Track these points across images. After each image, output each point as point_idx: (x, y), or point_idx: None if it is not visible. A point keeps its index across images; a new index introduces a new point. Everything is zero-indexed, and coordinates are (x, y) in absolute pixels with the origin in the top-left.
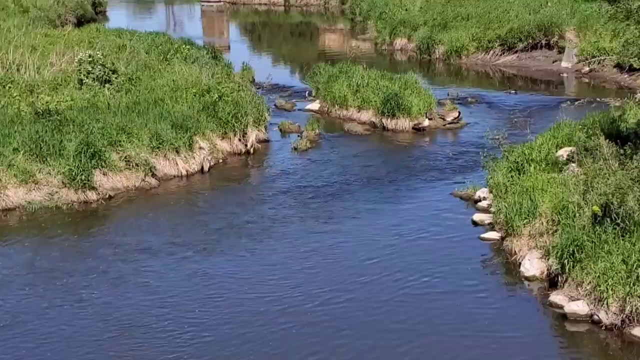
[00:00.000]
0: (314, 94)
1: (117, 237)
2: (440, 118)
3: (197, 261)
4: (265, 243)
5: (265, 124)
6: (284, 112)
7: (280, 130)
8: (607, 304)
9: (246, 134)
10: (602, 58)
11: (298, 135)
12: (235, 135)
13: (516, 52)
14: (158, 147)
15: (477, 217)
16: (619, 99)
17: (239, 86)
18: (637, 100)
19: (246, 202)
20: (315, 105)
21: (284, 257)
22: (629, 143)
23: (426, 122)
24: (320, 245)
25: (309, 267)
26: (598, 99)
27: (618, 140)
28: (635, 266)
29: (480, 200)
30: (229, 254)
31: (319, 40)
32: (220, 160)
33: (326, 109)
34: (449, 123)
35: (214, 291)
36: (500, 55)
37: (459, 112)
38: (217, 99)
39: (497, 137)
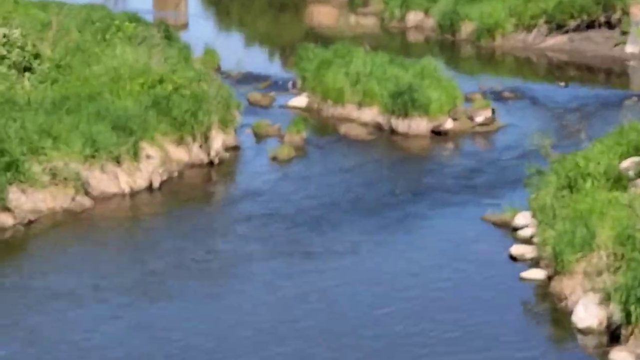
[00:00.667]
0: (299, 85)
1: (35, 277)
2: (468, 118)
3: (139, 310)
4: (229, 286)
5: (234, 126)
6: (260, 110)
7: (255, 133)
8: None
9: (209, 138)
10: None
11: (278, 140)
12: (194, 140)
13: (567, 32)
14: (93, 156)
15: (516, 249)
16: None
17: (200, 75)
18: None
19: (207, 230)
20: (301, 101)
21: (255, 304)
22: None
23: (449, 124)
24: (303, 290)
25: (287, 319)
26: None
27: None
28: None
29: (520, 228)
30: (181, 300)
31: (307, 15)
32: (175, 174)
33: (316, 105)
34: (480, 125)
35: (159, 349)
36: (547, 36)
37: (493, 111)
38: (171, 93)
39: (542, 143)
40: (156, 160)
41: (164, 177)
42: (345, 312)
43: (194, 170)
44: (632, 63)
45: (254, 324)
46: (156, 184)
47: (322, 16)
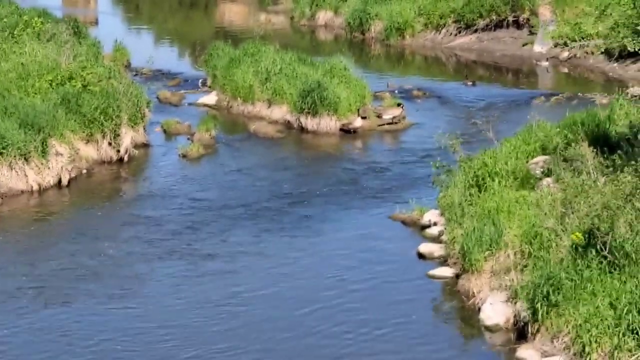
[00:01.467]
0: (209, 83)
1: None
2: (377, 117)
3: (38, 314)
4: (133, 288)
5: (144, 123)
6: (170, 107)
7: (165, 131)
8: None
9: (119, 135)
10: (585, 43)
11: (188, 138)
12: (104, 137)
13: (476, 31)
14: (1, 153)
15: (425, 248)
16: (606, 94)
17: (109, 72)
18: (629, 95)
19: (115, 228)
20: (211, 99)
21: (158, 306)
22: (618, 151)
23: (358, 122)
24: (206, 294)
25: (192, 322)
26: (580, 94)
27: (605, 148)
28: (625, 311)
29: (428, 226)
30: (83, 303)
31: (217, 12)
32: (84, 171)
33: (226, 103)
34: (389, 123)
35: (57, 353)
36: (456, 35)
37: (402, 109)
38: (80, 90)
39: (451, 142)
40: (65, 157)
41: (73, 175)
42: (251, 314)
43: (103, 167)
44: (539, 63)
45: (156, 328)
46: (65, 181)
47: (233, 14)
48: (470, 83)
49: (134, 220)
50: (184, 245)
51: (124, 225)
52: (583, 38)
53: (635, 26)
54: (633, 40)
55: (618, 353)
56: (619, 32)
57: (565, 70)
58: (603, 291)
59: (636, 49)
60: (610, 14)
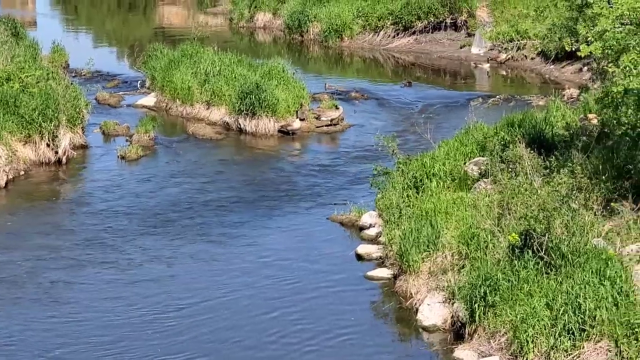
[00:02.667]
0: (148, 84)
1: None
2: (316, 118)
3: None
4: (61, 295)
5: (83, 125)
6: (108, 109)
7: (103, 132)
8: None
9: (57, 137)
10: (522, 43)
11: (126, 140)
12: (42, 138)
13: (414, 33)
14: None
15: (363, 249)
16: (543, 96)
17: (48, 74)
18: (565, 97)
19: (51, 231)
20: (149, 100)
21: (88, 313)
22: (555, 153)
23: (297, 124)
24: (137, 301)
25: (116, 324)
26: (517, 96)
27: (542, 150)
28: (561, 312)
29: (366, 227)
30: (19, 307)
31: (156, 14)
32: (22, 172)
33: (165, 104)
34: (327, 125)
35: None
36: (394, 37)
37: (340, 111)
38: (18, 91)
39: (389, 143)
40: (2, 158)
41: (11, 176)
42: (188, 316)
43: (41, 168)
44: (477, 64)
45: (83, 335)
46: (2, 183)
47: (172, 16)
48: (409, 84)
49: (70, 223)
50: (119, 249)
51: (60, 228)
52: (520, 40)
53: (572, 27)
54: (571, 41)
55: (554, 353)
56: (555, 32)
57: (503, 72)
58: (539, 292)
59: (573, 49)
60: (547, 16)
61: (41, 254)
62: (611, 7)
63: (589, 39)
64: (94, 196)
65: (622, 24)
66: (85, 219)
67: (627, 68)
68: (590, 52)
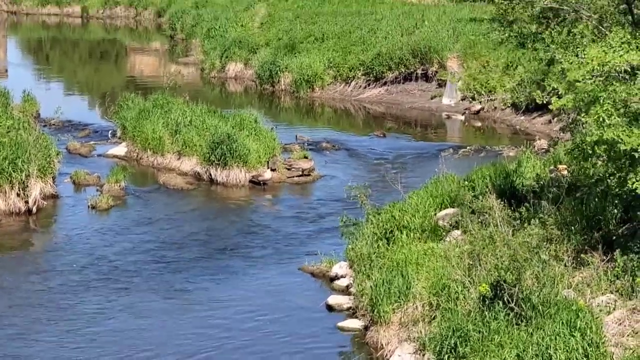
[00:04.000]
0: (119, 134)
1: None
2: (287, 169)
3: None
4: (26, 349)
5: (53, 174)
6: (79, 158)
7: (74, 182)
8: None
9: (27, 187)
10: (492, 98)
11: (97, 190)
12: (12, 188)
13: (385, 84)
14: None
15: (334, 299)
16: (513, 147)
17: (18, 123)
18: (536, 148)
19: (19, 281)
20: (120, 150)
21: None
22: (525, 204)
23: (268, 174)
24: (104, 355)
25: None
26: (488, 147)
27: (513, 201)
28: None
29: (337, 278)
30: None
31: (128, 64)
32: None
33: (136, 154)
34: (298, 175)
35: None
36: (365, 87)
37: (312, 162)
38: None
39: (359, 194)
40: None
41: None
42: None
43: (11, 218)
44: (447, 115)
45: None
46: None
47: (143, 65)
48: (380, 135)
49: (39, 274)
50: (87, 300)
51: (28, 279)
52: (490, 92)
53: (541, 81)
54: (542, 94)
55: None
56: (525, 86)
57: (476, 123)
58: (510, 343)
59: (544, 102)
60: (515, 68)
61: (7, 304)
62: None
63: (560, 92)
64: (64, 246)
65: (592, 76)
66: (54, 270)
67: (601, 119)
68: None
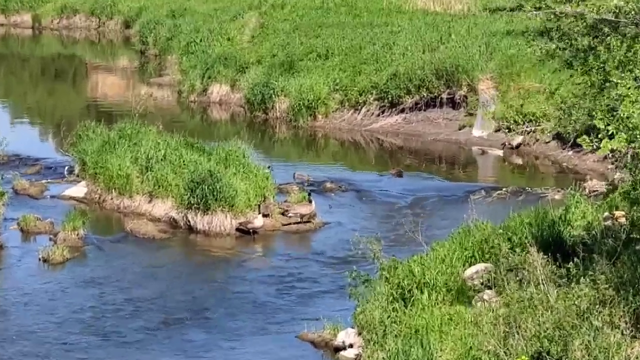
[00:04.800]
0: (77, 171)
1: None
2: (282, 214)
3: None
4: None
5: None
6: (29, 200)
7: (22, 229)
8: None
9: None
10: (533, 129)
11: (50, 239)
12: None
13: (403, 111)
14: None
15: None
16: (559, 189)
17: None
18: (587, 190)
19: None
20: (79, 190)
21: None
22: (574, 259)
23: (259, 221)
24: None
25: None
26: (528, 189)
27: (558, 255)
28: None
29: (343, 348)
30: None
31: (89, 85)
32: None
33: (98, 196)
34: (296, 223)
35: None
36: (378, 115)
37: (313, 206)
38: None
39: (371, 246)
40: None
41: None
42: None
43: None
44: (479, 149)
45: None
46: None
47: (107, 87)
48: (395, 173)
49: None
50: None
51: None
52: (531, 121)
53: (590, 111)
54: (590, 138)
55: None
56: (570, 114)
57: (513, 159)
58: None
59: (593, 147)
60: (562, 94)
61: None
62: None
63: (610, 131)
64: (8, 307)
65: None
66: None
67: None
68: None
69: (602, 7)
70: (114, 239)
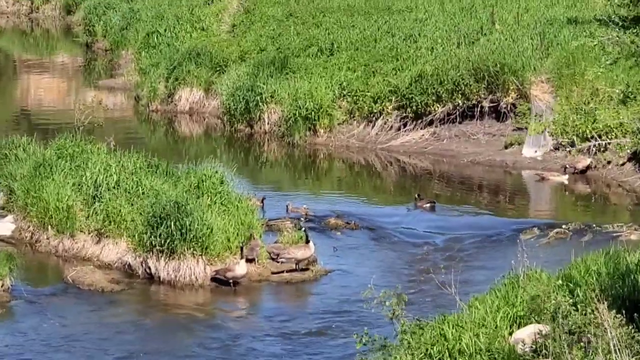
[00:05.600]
0: (2, 202)
1: None
2: (273, 259)
3: None
4: None
5: None
6: None
7: None
8: None
9: None
10: (601, 143)
11: None
12: None
13: (431, 123)
14: None
15: None
16: (637, 226)
17: None
18: None
19: None
20: (5, 227)
21: None
22: None
23: (242, 268)
24: None
25: None
26: (596, 226)
27: (635, 314)
28: None
29: None
30: None
31: (18, 88)
32: None
33: (29, 234)
34: (290, 270)
35: None
36: (399, 129)
37: (312, 249)
38: None
39: (387, 301)
40: None
41: None
42: None
43: None
44: (531, 174)
45: None
46: None
47: (43, 91)
48: (427, 205)
49: None
50: None
51: None
52: (600, 136)
53: None
54: None
55: None
56: None
57: (578, 186)
58: None
59: None
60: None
61: None
62: None
63: None
64: None
65: None
66: None
67: None
68: None
69: None
70: (51, 292)
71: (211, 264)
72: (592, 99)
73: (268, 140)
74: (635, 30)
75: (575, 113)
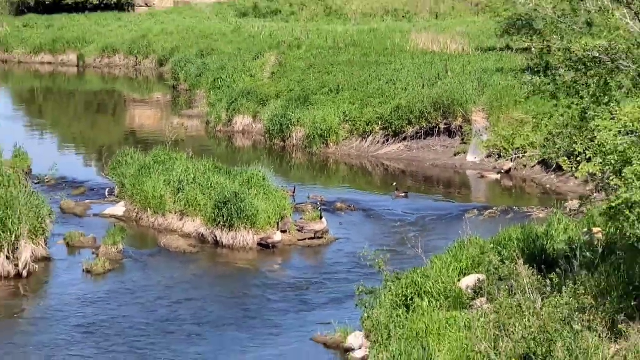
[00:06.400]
0: (117, 193)
1: None
2: (298, 230)
3: None
4: None
5: (46, 236)
6: (74, 219)
7: (68, 244)
8: None
9: (18, 249)
10: (520, 155)
11: (93, 252)
12: (1, 251)
13: (405, 139)
14: None
15: None
16: (543, 208)
17: (8, 180)
18: (568, 209)
19: (10, 350)
20: (118, 209)
21: None
22: (557, 270)
23: (278, 236)
24: None
25: None
26: (516, 208)
27: (543, 266)
28: None
29: (352, 349)
30: None
31: (127, 117)
32: None
33: (135, 214)
34: (310, 238)
35: None
36: (383, 143)
37: (325, 223)
38: None
39: (376, 259)
40: None
41: None
42: None
43: (0, 283)
44: (473, 173)
45: None
46: None
47: (144, 118)
48: (400, 195)
49: (28, 345)
50: None
51: (17, 349)
52: (518, 149)
53: (572, 137)
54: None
55: None
56: (555, 143)
57: (500, 181)
58: None
59: (572, 169)
60: (546, 125)
61: None
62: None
63: (588, 155)
64: (56, 314)
65: (627, 133)
66: (46, 339)
67: (630, 180)
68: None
69: (588, 45)
70: (149, 253)
71: (257, 234)
72: (511, 123)
73: (295, 151)
74: (541, 76)
75: (502, 133)
